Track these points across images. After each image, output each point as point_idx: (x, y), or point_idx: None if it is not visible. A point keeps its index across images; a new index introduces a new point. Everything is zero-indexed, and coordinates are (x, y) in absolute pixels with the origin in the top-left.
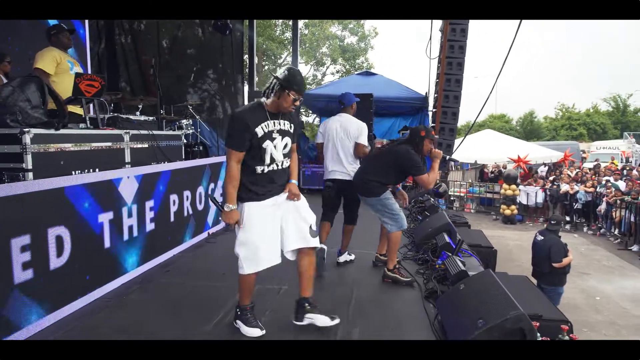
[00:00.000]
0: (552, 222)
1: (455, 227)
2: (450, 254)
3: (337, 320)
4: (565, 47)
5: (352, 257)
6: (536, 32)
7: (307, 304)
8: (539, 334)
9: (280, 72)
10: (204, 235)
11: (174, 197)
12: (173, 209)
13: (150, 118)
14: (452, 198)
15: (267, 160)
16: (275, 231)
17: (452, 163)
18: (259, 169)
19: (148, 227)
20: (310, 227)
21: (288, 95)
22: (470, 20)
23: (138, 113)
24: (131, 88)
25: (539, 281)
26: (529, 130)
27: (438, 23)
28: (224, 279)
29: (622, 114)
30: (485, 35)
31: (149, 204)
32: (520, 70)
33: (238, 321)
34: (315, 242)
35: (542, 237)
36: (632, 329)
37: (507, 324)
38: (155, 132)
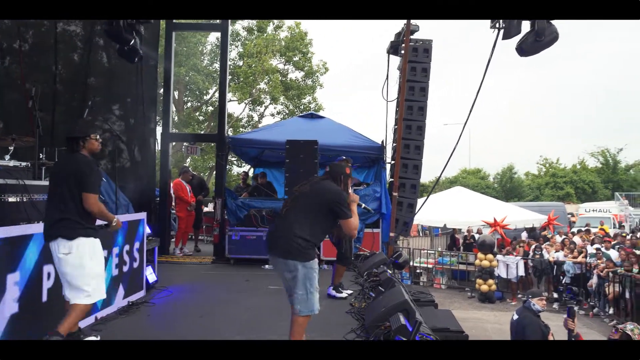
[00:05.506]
0: (530, 297)
1: (416, 307)
2: (405, 340)
3: None
4: (546, 94)
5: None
6: (513, 76)
7: None
8: None
9: None
10: (90, 320)
11: (48, 269)
12: (47, 284)
13: (23, 164)
14: (418, 271)
15: None
16: None
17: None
18: None
19: (8, 311)
20: None
21: None
22: (431, 61)
23: (8, 157)
24: (4, 124)
25: None
26: (508, 188)
27: (396, 61)
28: None
29: (613, 171)
30: (458, 77)
31: (13, 277)
32: (498, 120)
33: None
34: None
35: (517, 316)
36: None
37: None
38: (28, 182)
